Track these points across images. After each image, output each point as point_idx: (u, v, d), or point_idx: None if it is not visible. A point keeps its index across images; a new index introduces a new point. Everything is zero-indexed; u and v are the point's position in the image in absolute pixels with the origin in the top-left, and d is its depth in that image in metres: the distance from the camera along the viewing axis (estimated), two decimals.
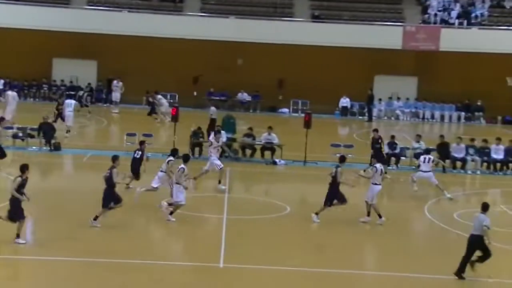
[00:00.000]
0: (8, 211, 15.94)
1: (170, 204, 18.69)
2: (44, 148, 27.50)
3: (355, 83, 42.20)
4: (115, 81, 41.04)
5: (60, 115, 32.08)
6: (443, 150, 27.37)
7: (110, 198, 17.62)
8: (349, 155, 27.90)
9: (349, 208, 21.74)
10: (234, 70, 42.82)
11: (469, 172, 27.36)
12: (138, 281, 14.41)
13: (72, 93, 40.74)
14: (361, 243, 17.93)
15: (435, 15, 45.00)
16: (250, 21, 43.47)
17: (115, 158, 18.07)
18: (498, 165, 27.71)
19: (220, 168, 22.69)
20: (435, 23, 44.48)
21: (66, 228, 17.35)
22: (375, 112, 42.30)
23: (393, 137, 28.25)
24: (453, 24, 44.67)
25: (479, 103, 42.25)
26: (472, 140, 28.42)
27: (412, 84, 43.39)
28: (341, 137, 36.06)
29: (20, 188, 15.95)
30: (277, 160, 27.46)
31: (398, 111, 42.83)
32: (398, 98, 43.20)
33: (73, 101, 32.99)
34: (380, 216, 19.34)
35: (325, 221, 19.60)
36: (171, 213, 18.49)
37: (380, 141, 26.28)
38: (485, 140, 28.33)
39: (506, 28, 43.47)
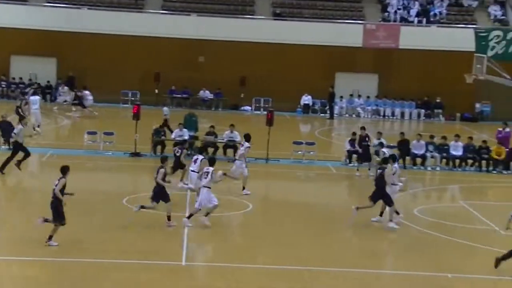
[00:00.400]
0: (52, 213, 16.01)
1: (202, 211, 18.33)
2: (3, 147, 27.11)
3: (317, 80, 42.45)
4: (59, 87, 41.02)
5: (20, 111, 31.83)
6: (403, 147, 27.69)
7: (160, 196, 18.03)
8: (311, 152, 28.17)
9: (311, 207, 21.90)
10: (196, 67, 42.76)
11: (429, 168, 27.70)
12: (98, 279, 14.34)
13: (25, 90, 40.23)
14: (324, 241, 17.96)
15: (395, 13, 45.45)
16: (211, 18, 43.44)
17: (164, 159, 18.74)
18: (457, 161, 28.10)
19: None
20: (394, 21, 44.93)
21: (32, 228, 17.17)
22: (336, 109, 42.59)
23: (354, 134, 28.44)
24: (413, 22, 45.17)
25: (438, 100, 42.79)
26: (432, 137, 28.77)
27: (372, 82, 43.77)
28: (303, 135, 36.27)
29: (63, 190, 16.00)
30: None
31: (359, 109, 43.17)
32: (359, 96, 43.53)
33: (38, 97, 32.70)
34: (397, 213, 19.47)
35: (286, 218, 19.72)
36: (207, 214, 18.17)
37: (367, 139, 26.32)
38: (444, 137, 28.71)
39: (464, 26, 44.02)
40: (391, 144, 28.23)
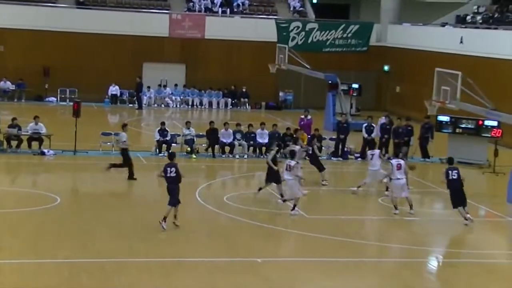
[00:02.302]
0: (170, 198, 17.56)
1: (284, 200, 20.37)
2: None
3: (124, 70, 42.01)
4: None
5: None
6: (212, 135, 28.16)
7: (272, 177, 20.80)
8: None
9: (121, 198, 21.82)
10: None
11: (237, 156, 28.35)
12: None
13: None
14: (130, 232, 17.82)
15: (199, 1, 45.93)
16: (11, 6, 41.53)
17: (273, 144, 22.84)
18: (264, 148, 28.98)
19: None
20: (199, 11, 45.44)
21: None
22: (145, 99, 42.38)
23: (163, 124, 28.50)
24: (217, 12, 45.93)
25: (244, 90, 43.86)
26: (238, 125, 29.44)
27: (180, 72, 44.00)
28: (112, 126, 35.74)
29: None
30: (45, 151, 26.66)
31: (167, 99, 43.24)
32: (164, 86, 43.49)
33: None
34: (395, 207, 20.26)
35: (94, 211, 19.47)
36: (294, 207, 19.73)
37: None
38: (250, 125, 29.50)
39: (266, 17, 45.51)
40: (201, 133, 28.64)
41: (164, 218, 17.42)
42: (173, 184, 17.60)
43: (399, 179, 20.19)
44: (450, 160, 20.02)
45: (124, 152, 23.70)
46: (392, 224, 20.06)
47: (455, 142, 28.68)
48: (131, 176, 23.26)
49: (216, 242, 17.45)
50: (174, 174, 17.51)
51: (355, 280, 15.43)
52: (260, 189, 21.22)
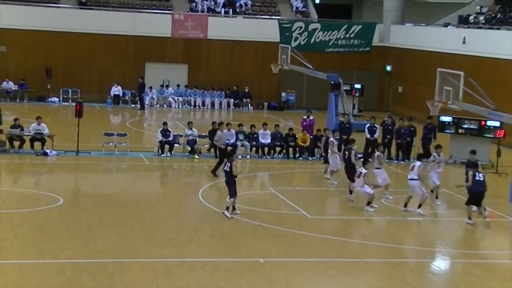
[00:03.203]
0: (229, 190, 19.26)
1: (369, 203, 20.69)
2: None
3: (126, 71, 42.06)
4: None
5: None
6: (214, 136, 28.09)
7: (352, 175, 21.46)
8: (123, 144, 27.91)
9: (124, 198, 21.80)
10: None
11: (240, 156, 28.33)
12: None
13: None
14: (134, 232, 17.80)
15: (202, 3, 45.95)
16: (13, 6, 41.58)
17: (350, 141, 23.34)
18: (266, 149, 28.99)
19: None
20: (202, 11, 45.46)
21: None
22: (147, 100, 42.41)
23: (165, 124, 28.51)
24: (219, 13, 45.94)
25: (246, 90, 43.86)
26: (240, 125, 29.44)
27: (183, 72, 44.03)
28: (114, 126, 35.82)
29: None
30: (48, 151, 26.68)
31: (170, 99, 43.26)
32: (167, 86, 43.52)
33: None
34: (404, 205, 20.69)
35: (97, 211, 19.48)
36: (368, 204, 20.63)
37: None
38: (253, 126, 29.50)
39: (268, 17, 45.51)
40: (203, 134, 28.63)
41: (227, 208, 19.23)
42: (227, 178, 19.42)
43: (409, 179, 20.50)
44: (475, 164, 20.76)
45: (223, 149, 25.18)
46: (394, 224, 20.05)
47: (457, 143, 28.64)
48: (214, 170, 24.22)
49: (218, 242, 17.46)
50: (228, 169, 19.26)
51: (357, 280, 15.41)
52: (351, 191, 21.53)
